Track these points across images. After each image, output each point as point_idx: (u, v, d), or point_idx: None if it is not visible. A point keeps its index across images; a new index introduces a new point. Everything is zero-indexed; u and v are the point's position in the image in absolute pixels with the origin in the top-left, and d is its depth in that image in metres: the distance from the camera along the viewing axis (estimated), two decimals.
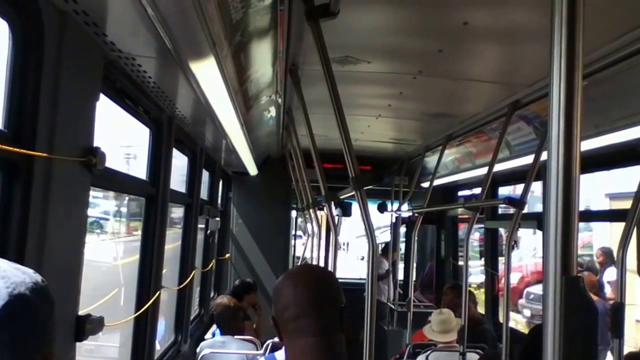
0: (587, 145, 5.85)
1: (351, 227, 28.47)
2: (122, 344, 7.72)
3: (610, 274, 15.08)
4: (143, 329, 6.37)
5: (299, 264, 13.37)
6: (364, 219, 4.07)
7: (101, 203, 13.74)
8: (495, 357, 6.62)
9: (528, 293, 19.99)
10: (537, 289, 19.37)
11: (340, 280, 3.50)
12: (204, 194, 10.50)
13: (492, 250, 11.52)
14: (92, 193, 4.45)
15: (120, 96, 5.26)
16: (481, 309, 11.39)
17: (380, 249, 14.70)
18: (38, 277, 2.06)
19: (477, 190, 10.29)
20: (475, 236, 14.30)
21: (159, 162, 6.56)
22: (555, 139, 1.77)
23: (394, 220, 13.59)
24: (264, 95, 7.09)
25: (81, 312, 4.18)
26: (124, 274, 10.91)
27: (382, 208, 13.70)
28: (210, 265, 11.91)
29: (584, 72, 1.79)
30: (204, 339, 9.29)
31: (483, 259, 12.32)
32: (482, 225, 11.38)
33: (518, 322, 18.55)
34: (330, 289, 3.12)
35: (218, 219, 12.07)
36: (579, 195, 1.77)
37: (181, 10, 3.31)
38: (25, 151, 3.29)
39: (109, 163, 4.38)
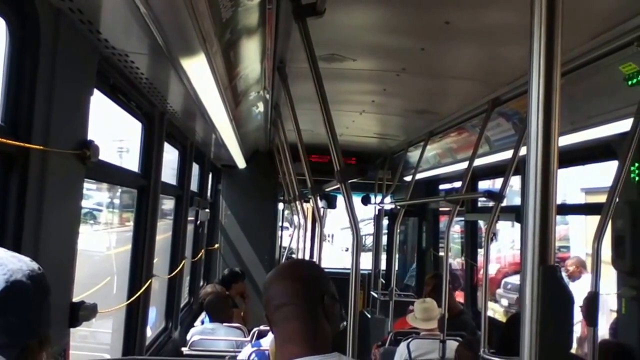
0: (564, 141, 5.84)
1: (336, 219, 28.45)
2: (115, 330, 7.72)
3: None
4: (135, 315, 6.37)
5: (285, 254, 13.41)
6: (349, 211, 4.08)
7: (94, 195, 13.71)
8: (473, 343, 6.62)
9: (506, 283, 20.03)
10: (515, 279, 19.42)
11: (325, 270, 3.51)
12: (194, 186, 10.50)
13: (471, 242, 11.54)
14: (85, 185, 4.45)
15: (114, 92, 5.27)
16: (460, 298, 11.43)
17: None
18: (34, 265, 2.07)
19: (458, 184, 10.33)
20: (456, 228, 14.33)
21: (150, 155, 6.56)
22: (534, 134, 1.78)
23: (377, 213, 13.61)
24: (253, 91, 7.09)
25: (75, 299, 4.18)
26: (117, 263, 10.90)
27: (366, 201, 13.71)
28: (200, 255, 11.92)
29: (561, 70, 1.80)
30: (193, 326, 9.30)
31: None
32: (463, 218, 11.40)
33: (496, 311, 18.59)
34: (310, 279, 3.13)
35: (207, 210, 12.07)
36: (557, 189, 1.78)
37: (173, 9, 3.31)
38: (21, 144, 3.29)
39: (102, 156, 4.38)
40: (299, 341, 2.97)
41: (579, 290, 11.05)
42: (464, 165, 8.40)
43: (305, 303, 3.02)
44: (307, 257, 10.91)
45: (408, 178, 11.84)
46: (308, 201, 9.76)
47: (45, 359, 2.07)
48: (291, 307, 3.01)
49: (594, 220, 4.99)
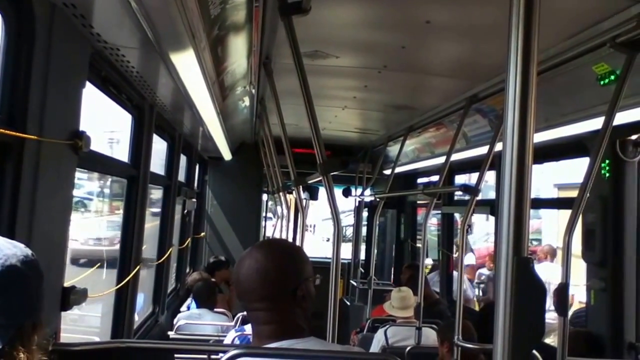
0: (538, 137, 5.83)
1: (318, 210, 28.43)
2: (105, 314, 7.71)
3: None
4: (124, 300, 6.38)
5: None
6: (330, 202, 4.07)
7: (86, 184, 13.69)
8: (452, 326, 6.61)
9: (479, 274, 20.11)
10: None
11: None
12: (181, 176, 10.47)
13: (448, 234, 11.57)
14: (77, 174, 4.44)
15: (105, 84, 5.25)
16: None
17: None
18: (28, 251, 2.09)
19: (435, 178, 10.34)
20: (433, 221, 14.36)
21: (140, 146, 6.55)
22: (510, 130, 1.78)
23: (357, 205, 13.63)
24: (239, 86, 7.08)
25: (66, 284, 4.17)
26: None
27: (346, 193, 13.73)
28: (187, 243, 11.91)
29: (538, 68, 1.80)
30: (179, 311, 9.30)
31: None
32: (440, 211, 11.42)
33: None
34: (276, 280, 2.98)
35: (194, 200, 12.06)
36: (531, 183, 1.79)
37: (163, 4, 3.31)
38: (16, 134, 3.28)
39: (94, 146, 4.37)
40: (273, 334, 2.94)
41: (542, 269, 11.33)
42: (441, 159, 8.41)
43: (273, 305, 2.93)
44: None
45: (388, 171, 11.85)
46: (291, 192, 9.74)
47: (38, 341, 2.08)
48: (260, 313, 2.94)
49: (565, 214, 5.00)
